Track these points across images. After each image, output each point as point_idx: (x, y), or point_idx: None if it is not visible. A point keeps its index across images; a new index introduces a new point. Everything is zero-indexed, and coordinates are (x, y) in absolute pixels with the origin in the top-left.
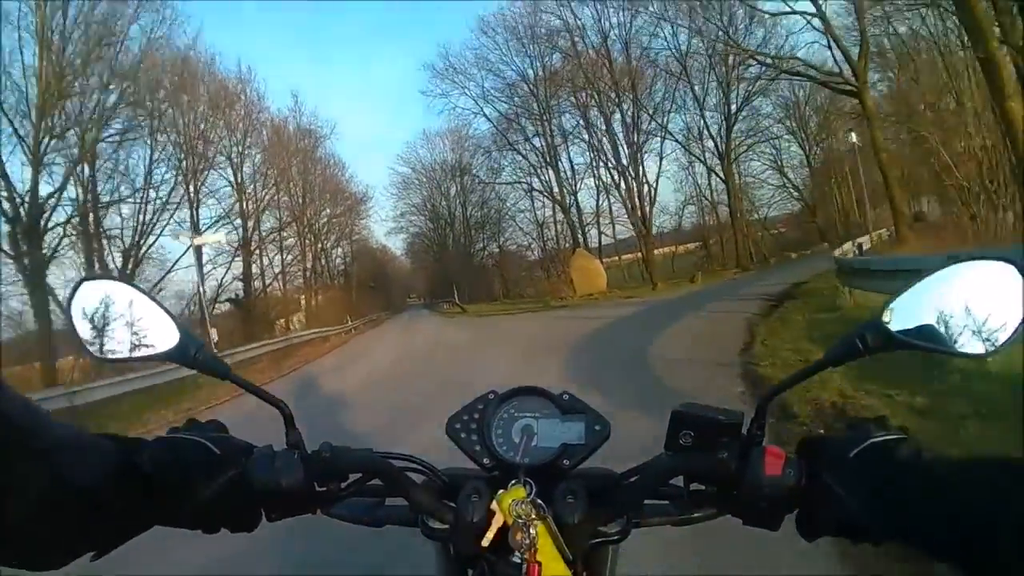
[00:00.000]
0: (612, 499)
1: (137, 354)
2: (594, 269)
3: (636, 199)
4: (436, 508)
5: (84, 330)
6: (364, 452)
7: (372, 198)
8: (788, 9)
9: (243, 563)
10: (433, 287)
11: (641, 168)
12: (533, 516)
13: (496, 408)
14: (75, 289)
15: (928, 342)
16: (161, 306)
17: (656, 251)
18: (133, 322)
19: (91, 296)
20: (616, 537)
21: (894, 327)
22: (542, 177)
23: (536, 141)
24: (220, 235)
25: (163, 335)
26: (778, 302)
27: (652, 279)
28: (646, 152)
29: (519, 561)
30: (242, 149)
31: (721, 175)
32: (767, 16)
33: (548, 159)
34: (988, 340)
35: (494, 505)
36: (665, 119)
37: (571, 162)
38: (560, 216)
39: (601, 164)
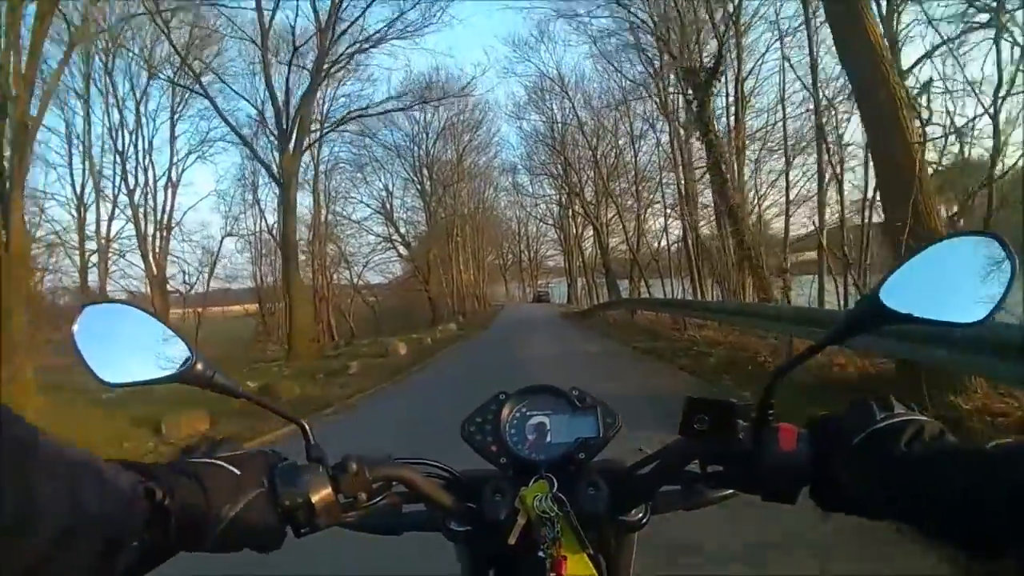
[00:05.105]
0: (631, 488)
1: (148, 377)
2: None
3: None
4: (459, 510)
5: (91, 356)
6: (386, 460)
7: None
8: None
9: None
10: None
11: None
12: (556, 510)
13: (508, 408)
14: (79, 315)
15: (921, 313)
16: (169, 327)
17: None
18: (142, 345)
19: (96, 321)
20: (637, 525)
21: (888, 302)
22: None
23: None
24: None
25: (173, 356)
26: None
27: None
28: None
29: (544, 556)
30: None
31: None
32: None
33: None
34: (976, 309)
35: (517, 503)
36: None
37: None
38: None
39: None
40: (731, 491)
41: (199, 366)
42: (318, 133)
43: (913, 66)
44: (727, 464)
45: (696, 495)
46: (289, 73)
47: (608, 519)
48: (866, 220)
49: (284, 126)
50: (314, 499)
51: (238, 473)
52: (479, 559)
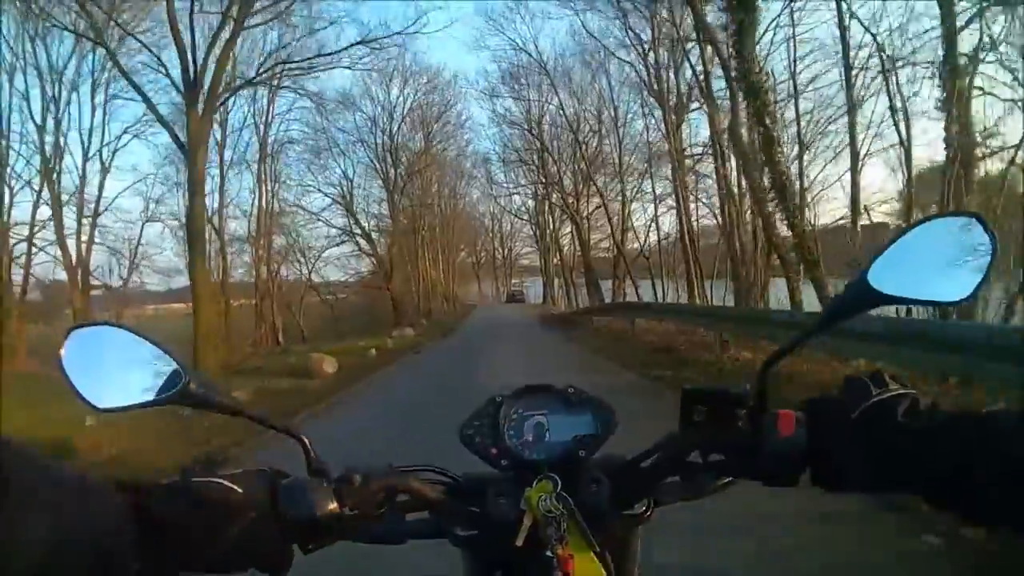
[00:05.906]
0: (633, 482)
1: (139, 400)
2: None
3: None
4: (463, 515)
5: (80, 381)
6: (387, 470)
7: None
8: None
9: None
10: None
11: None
12: (561, 509)
13: (505, 410)
14: (65, 339)
15: (908, 294)
16: (160, 347)
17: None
18: (132, 367)
19: (83, 344)
20: (641, 519)
21: (876, 284)
22: None
23: None
24: None
25: (166, 377)
26: None
27: None
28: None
29: (551, 555)
30: None
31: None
32: None
33: None
34: (960, 287)
35: (523, 503)
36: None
37: None
38: None
39: None
40: (732, 479)
41: (193, 385)
42: (241, 91)
43: None
44: (728, 452)
45: (698, 485)
46: (193, 3)
47: (612, 514)
48: (947, 199)
49: (191, 76)
50: (320, 515)
51: (240, 491)
52: (485, 563)
